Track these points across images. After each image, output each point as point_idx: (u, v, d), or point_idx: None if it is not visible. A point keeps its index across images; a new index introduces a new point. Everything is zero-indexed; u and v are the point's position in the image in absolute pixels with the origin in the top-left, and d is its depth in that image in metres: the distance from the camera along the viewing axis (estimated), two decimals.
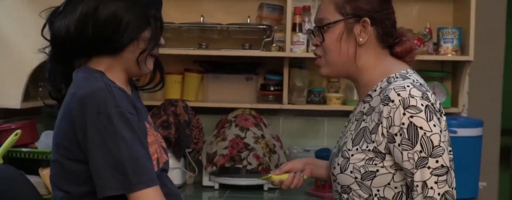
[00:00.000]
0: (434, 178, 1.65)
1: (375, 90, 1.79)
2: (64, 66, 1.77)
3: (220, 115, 3.40)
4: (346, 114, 3.49)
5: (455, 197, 1.70)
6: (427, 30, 3.31)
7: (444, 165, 1.66)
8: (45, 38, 1.78)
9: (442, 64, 3.52)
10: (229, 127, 3.24)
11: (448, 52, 3.26)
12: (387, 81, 1.77)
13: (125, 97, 1.68)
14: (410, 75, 1.78)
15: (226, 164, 3.16)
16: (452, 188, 1.68)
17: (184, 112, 3.23)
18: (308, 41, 3.27)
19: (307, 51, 3.28)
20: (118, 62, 1.75)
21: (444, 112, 1.76)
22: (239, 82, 3.45)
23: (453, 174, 1.70)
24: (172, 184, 1.84)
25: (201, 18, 3.38)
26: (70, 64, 1.77)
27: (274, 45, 3.30)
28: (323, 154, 3.14)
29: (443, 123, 1.74)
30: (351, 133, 1.81)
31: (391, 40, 1.82)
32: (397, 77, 1.76)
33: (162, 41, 1.80)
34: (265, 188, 3.20)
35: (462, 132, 3.16)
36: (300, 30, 3.29)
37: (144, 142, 1.68)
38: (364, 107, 1.81)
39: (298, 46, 3.25)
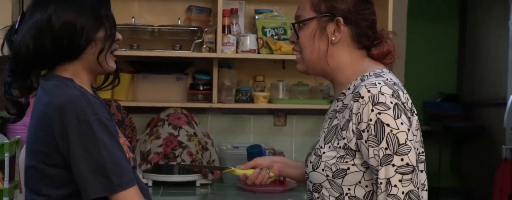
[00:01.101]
0: (399, 176, 1.63)
1: (348, 89, 1.79)
2: (24, 79, 1.83)
3: (151, 114, 3.50)
4: (271, 111, 3.71)
5: (421, 197, 1.67)
6: None
7: (410, 163, 1.64)
8: (4, 56, 1.82)
9: None
10: (162, 125, 3.34)
11: None
12: (361, 79, 1.77)
13: (100, 104, 1.76)
14: (384, 74, 1.77)
15: (160, 161, 3.25)
16: (418, 188, 1.65)
17: (117, 111, 3.31)
18: (237, 42, 3.42)
19: (237, 52, 3.42)
20: (81, 65, 1.81)
21: (416, 112, 1.75)
22: (169, 81, 3.55)
23: (419, 174, 1.68)
24: (139, 179, 1.93)
25: (132, 20, 3.46)
26: (28, 78, 1.83)
27: (204, 46, 3.42)
28: (254, 150, 3.26)
29: (414, 122, 1.72)
30: (324, 131, 1.81)
31: (367, 42, 1.81)
32: (370, 76, 1.75)
33: (118, 36, 1.87)
34: (198, 184, 3.32)
35: None
36: (229, 32, 3.43)
37: (121, 145, 1.77)
38: (337, 105, 1.81)
39: (228, 47, 3.39)
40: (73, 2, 1.77)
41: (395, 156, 1.64)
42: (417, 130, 1.74)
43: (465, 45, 6.58)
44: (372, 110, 1.66)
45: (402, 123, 1.65)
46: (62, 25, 1.74)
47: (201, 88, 3.56)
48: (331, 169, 1.73)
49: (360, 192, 1.73)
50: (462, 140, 6.45)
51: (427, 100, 6.47)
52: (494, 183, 4.85)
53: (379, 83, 1.69)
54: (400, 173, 1.64)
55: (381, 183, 1.65)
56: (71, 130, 1.68)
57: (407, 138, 1.65)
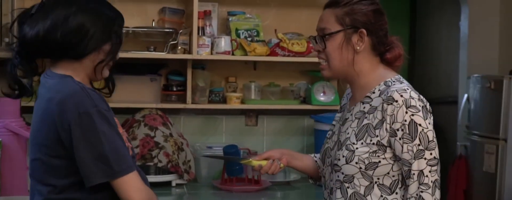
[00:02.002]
0: (429, 168, 1.93)
1: (373, 92, 2.02)
2: (28, 62, 1.95)
3: (124, 115, 3.51)
4: (243, 112, 3.77)
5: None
6: None
7: (436, 157, 1.95)
8: (13, 35, 1.95)
9: None
10: (138, 126, 3.37)
11: None
12: (385, 85, 2.01)
13: (99, 97, 1.89)
14: (403, 80, 2.04)
15: (137, 162, 3.27)
16: (439, 177, 1.95)
17: None
18: (212, 44, 3.47)
19: (212, 53, 3.47)
20: (79, 67, 1.94)
21: (432, 112, 1.99)
22: (143, 83, 3.57)
23: (439, 166, 1.96)
24: (139, 170, 2.00)
25: None
26: (33, 61, 1.96)
27: (179, 47, 3.46)
28: (230, 150, 3.33)
29: (432, 121, 1.97)
30: (353, 130, 2.02)
31: (383, 48, 2.06)
32: (394, 81, 2.01)
33: (117, 56, 2.02)
34: (173, 184, 3.36)
35: None
36: (203, 34, 3.47)
37: (120, 134, 1.90)
38: (364, 107, 2.03)
39: (204, 49, 3.43)
40: (93, 10, 1.93)
41: (426, 151, 1.93)
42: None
43: (415, 44, 6.75)
44: (406, 112, 1.92)
45: (429, 123, 1.94)
46: (76, 26, 1.89)
47: (174, 89, 3.59)
48: (364, 162, 1.98)
49: (387, 181, 2.00)
50: None
51: None
52: (449, 179, 5.01)
53: (407, 89, 1.96)
54: (429, 165, 1.94)
55: (414, 174, 1.93)
56: (73, 122, 1.81)
57: (433, 136, 1.94)
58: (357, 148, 1.99)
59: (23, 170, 2.97)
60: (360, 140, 1.99)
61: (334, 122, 2.21)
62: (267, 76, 3.77)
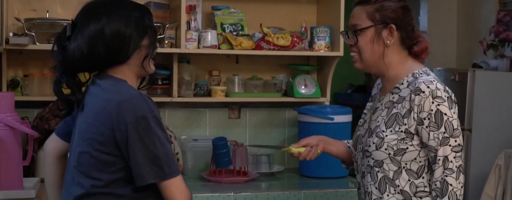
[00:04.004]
0: (453, 154, 2.07)
1: (402, 84, 2.17)
2: (74, 78, 2.06)
3: None
4: (226, 105, 3.83)
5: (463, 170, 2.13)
6: (304, 28, 3.70)
7: (460, 144, 2.09)
8: (56, 59, 2.04)
9: (309, 59, 3.94)
10: None
11: (321, 48, 3.68)
12: (413, 76, 2.16)
13: (154, 104, 1.98)
14: (429, 72, 2.18)
15: None
16: (463, 163, 2.10)
17: None
18: (199, 38, 3.51)
19: (198, 47, 3.51)
20: (127, 68, 2.05)
21: (457, 102, 2.14)
22: None
23: (463, 152, 2.12)
24: None
25: None
26: (76, 77, 2.06)
27: (167, 42, 3.49)
28: (219, 142, 3.41)
29: (456, 111, 2.12)
30: (383, 118, 2.17)
31: (410, 42, 2.21)
32: (421, 73, 2.16)
33: (157, 45, 2.12)
34: None
35: (338, 118, 3.60)
36: (189, 28, 3.52)
37: (169, 140, 2.03)
38: (393, 97, 2.18)
39: (191, 43, 3.47)
40: (121, 14, 2.02)
41: (451, 138, 2.08)
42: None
43: None
44: (433, 102, 2.06)
45: (454, 113, 2.09)
46: (113, 35, 1.99)
47: (160, 82, 3.62)
48: (393, 149, 2.13)
49: (414, 166, 2.14)
50: None
51: (338, 92, 6.77)
52: None
53: (433, 81, 2.09)
54: (454, 152, 2.08)
55: (439, 159, 2.08)
56: (130, 125, 1.91)
57: (458, 124, 2.09)
58: (386, 136, 2.13)
59: (18, 164, 2.95)
60: (389, 128, 2.13)
61: (365, 111, 2.34)
62: (249, 70, 3.83)
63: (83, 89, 2.07)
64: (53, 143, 2.25)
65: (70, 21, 2.05)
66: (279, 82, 3.82)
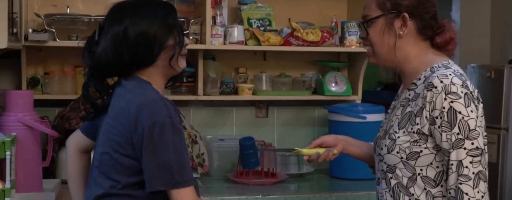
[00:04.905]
0: (469, 159, 1.81)
1: (419, 79, 1.94)
2: (102, 82, 2.04)
3: None
4: (252, 103, 3.70)
5: (487, 177, 1.84)
6: (334, 23, 3.55)
7: (479, 147, 1.82)
8: (86, 63, 2.02)
9: (339, 55, 3.79)
10: None
11: (353, 44, 3.53)
12: (431, 70, 1.92)
13: (174, 109, 1.91)
14: (451, 65, 1.93)
15: None
16: (485, 169, 1.83)
17: None
18: (225, 33, 3.38)
19: (224, 43, 3.38)
20: (155, 70, 1.98)
21: (481, 100, 1.91)
22: None
23: (486, 157, 1.85)
24: (194, 178, 2.04)
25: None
26: (105, 80, 2.04)
27: (191, 37, 3.36)
28: (247, 142, 3.27)
29: (480, 110, 1.88)
30: (397, 117, 1.96)
31: (431, 32, 1.97)
32: (439, 67, 1.92)
33: (187, 41, 2.04)
34: None
35: (370, 117, 3.44)
36: (215, 23, 3.39)
37: (186, 148, 1.94)
38: (409, 94, 1.96)
39: (216, 39, 3.35)
40: (145, 15, 1.96)
41: (466, 140, 1.82)
42: (482, 116, 1.90)
43: None
44: (445, 99, 1.82)
45: (472, 111, 1.83)
46: (137, 36, 1.93)
47: (184, 80, 3.49)
48: (405, 152, 1.91)
49: (431, 173, 1.90)
50: None
51: (367, 89, 6.61)
52: None
53: (450, 74, 1.85)
54: (470, 156, 1.82)
55: (452, 164, 1.83)
56: (146, 128, 1.85)
57: (476, 125, 1.83)
58: (398, 137, 1.92)
59: (38, 165, 2.85)
60: (402, 128, 1.92)
61: (389, 110, 2.13)
62: (277, 67, 3.70)
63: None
64: (75, 138, 2.23)
65: (94, 20, 2.04)
66: (309, 79, 3.68)
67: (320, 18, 3.67)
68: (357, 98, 3.69)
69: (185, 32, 3.13)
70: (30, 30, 3.17)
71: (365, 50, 3.44)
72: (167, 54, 1.96)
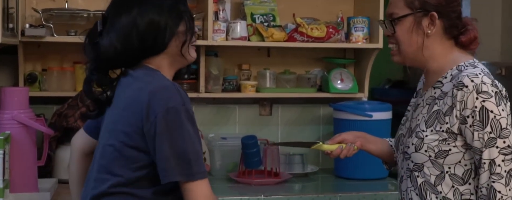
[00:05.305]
0: (501, 157, 1.83)
1: (445, 77, 1.95)
2: (106, 75, 1.95)
3: None
4: (256, 101, 3.61)
5: None
6: (340, 19, 3.46)
7: (510, 145, 1.84)
8: (88, 57, 1.94)
9: (345, 52, 3.70)
10: None
11: (359, 40, 3.43)
12: (457, 69, 1.94)
13: (187, 96, 1.83)
14: (477, 64, 1.95)
15: None
16: None
17: None
18: (227, 29, 3.30)
19: (227, 39, 3.30)
20: (165, 59, 1.92)
21: (508, 98, 1.91)
22: None
23: None
24: None
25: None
26: (107, 74, 1.96)
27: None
28: (249, 141, 3.19)
29: (508, 108, 1.88)
30: (423, 116, 1.96)
31: (456, 31, 1.99)
32: (467, 66, 1.93)
33: (195, 29, 2.01)
34: None
35: (376, 115, 3.35)
36: (217, 19, 3.31)
37: (200, 138, 1.84)
38: (435, 92, 1.97)
39: (219, 34, 3.26)
40: (153, 2, 1.90)
41: (498, 139, 1.84)
42: (509, 115, 1.89)
43: None
44: (477, 98, 1.83)
45: (503, 110, 1.85)
46: (147, 25, 1.87)
47: (186, 77, 3.41)
48: (434, 150, 1.91)
49: (459, 171, 1.92)
50: None
51: (374, 87, 6.51)
52: None
53: (480, 73, 1.86)
54: (503, 154, 1.84)
55: (484, 163, 1.85)
56: (160, 115, 1.76)
57: (507, 123, 1.85)
58: (426, 136, 1.93)
59: (33, 165, 2.77)
60: (429, 127, 1.93)
61: (409, 108, 2.13)
62: (281, 63, 3.61)
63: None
64: (79, 139, 2.14)
65: (101, 15, 1.93)
66: (313, 76, 3.58)
67: (326, 14, 3.58)
68: (364, 96, 3.59)
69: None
70: (27, 25, 3.08)
71: (372, 47, 3.43)
72: (179, 41, 1.91)
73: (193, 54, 1.97)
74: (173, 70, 1.97)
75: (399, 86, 6.69)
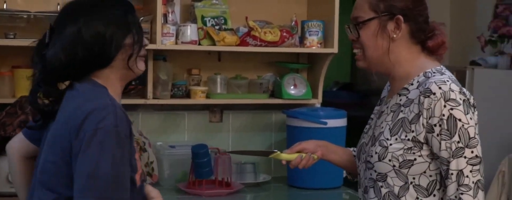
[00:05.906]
0: (469, 167, 1.78)
1: (412, 84, 1.89)
2: (52, 87, 1.87)
3: None
4: (206, 107, 3.47)
5: (484, 185, 1.83)
6: (294, 22, 3.35)
7: (478, 155, 1.80)
8: (35, 68, 1.87)
9: (298, 56, 3.59)
10: None
11: (314, 44, 3.33)
12: (424, 76, 1.88)
13: (126, 119, 1.76)
14: (445, 71, 1.89)
15: None
16: (482, 177, 1.81)
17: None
18: (177, 32, 3.15)
19: (176, 43, 3.16)
20: (112, 73, 1.85)
21: (476, 107, 1.87)
22: None
23: (482, 165, 1.82)
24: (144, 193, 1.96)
25: (58, 7, 3.09)
26: (56, 86, 1.88)
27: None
28: (200, 150, 3.06)
29: (476, 117, 1.84)
30: (388, 124, 1.90)
31: (423, 36, 1.92)
32: (434, 72, 1.87)
33: (145, 42, 1.92)
34: None
35: (331, 123, 3.25)
36: (166, 21, 3.16)
37: (128, 164, 1.75)
38: (400, 100, 1.90)
39: (168, 38, 3.12)
40: (100, 13, 1.84)
41: (466, 149, 1.79)
42: (476, 124, 1.85)
43: None
44: (445, 106, 1.78)
45: (471, 118, 1.80)
46: (92, 36, 1.81)
47: (132, 83, 3.23)
48: (398, 160, 1.85)
49: (424, 181, 1.86)
50: (358, 127, 6.50)
51: (324, 90, 6.46)
52: None
53: (447, 81, 1.81)
54: (470, 165, 1.79)
55: (452, 174, 1.79)
56: (88, 134, 1.70)
57: (475, 132, 1.80)
58: (390, 144, 1.87)
59: None
60: (394, 135, 1.87)
61: (372, 116, 2.06)
62: (232, 68, 3.48)
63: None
64: (17, 142, 2.06)
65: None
66: (266, 81, 3.46)
67: (279, 17, 3.46)
68: (317, 102, 3.49)
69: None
70: None
71: (327, 51, 3.33)
72: (125, 54, 1.83)
73: (141, 67, 1.89)
74: (122, 84, 1.91)
75: (347, 89, 6.68)
